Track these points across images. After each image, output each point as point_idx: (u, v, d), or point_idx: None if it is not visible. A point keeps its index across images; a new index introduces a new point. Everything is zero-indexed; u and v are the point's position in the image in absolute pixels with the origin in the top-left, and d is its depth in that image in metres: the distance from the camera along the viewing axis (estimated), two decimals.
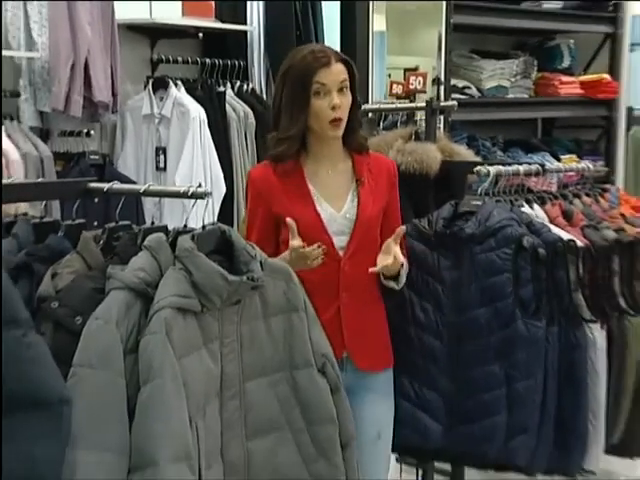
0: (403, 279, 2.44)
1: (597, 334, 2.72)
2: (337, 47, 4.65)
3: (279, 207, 2.38)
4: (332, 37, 4.71)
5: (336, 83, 2.30)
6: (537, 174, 2.93)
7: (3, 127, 3.71)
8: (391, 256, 2.31)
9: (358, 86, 2.41)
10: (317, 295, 2.21)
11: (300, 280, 2.07)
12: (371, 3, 4.61)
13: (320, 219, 2.36)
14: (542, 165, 3.01)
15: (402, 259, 2.38)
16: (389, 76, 4.93)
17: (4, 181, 3.43)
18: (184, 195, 1.96)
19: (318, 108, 2.30)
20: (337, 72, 2.31)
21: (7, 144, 3.69)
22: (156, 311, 1.69)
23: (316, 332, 2.03)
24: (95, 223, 1.91)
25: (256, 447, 1.89)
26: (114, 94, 4.00)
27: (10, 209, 3.00)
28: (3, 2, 3.80)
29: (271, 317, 1.94)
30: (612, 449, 2.92)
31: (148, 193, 2.06)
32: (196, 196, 1.93)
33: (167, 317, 1.68)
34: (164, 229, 1.87)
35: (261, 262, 1.91)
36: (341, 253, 2.38)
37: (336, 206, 2.40)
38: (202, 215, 1.89)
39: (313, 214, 2.36)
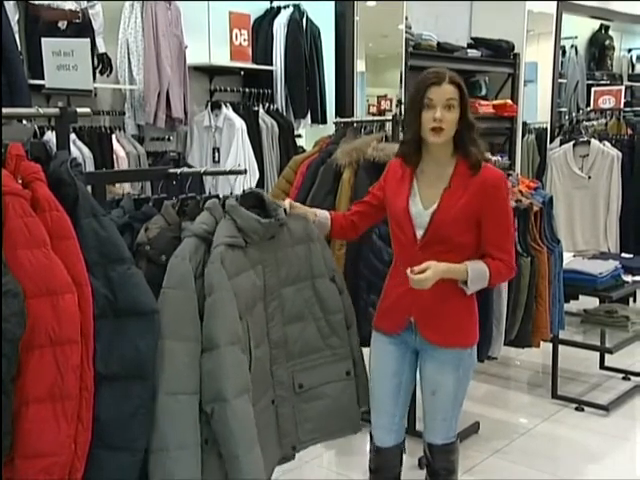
0: (472, 288, 1.92)
1: None
2: (333, 82, 4.60)
3: (388, 192, 2.03)
4: (330, 74, 4.60)
5: (442, 100, 1.86)
6: None
7: (114, 135, 3.69)
8: (423, 275, 1.83)
9: (469, 107, 1.91)
10: (398, 271, 2.00)
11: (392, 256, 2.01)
12: (355, 52, 4.56)
13: (408, 212, 1.95)
14: None
15: (461, 276, 1.89)
16: (368, 100, 4.88)
17: (115, 169, 3.43)
18: (228, 172, 1.95)
19: (424, 118, 1.89)
20: (445, 91, 1.87)
21: (117, 146, 3.69)
22: (214, 248, 1.68)
23: (327, 254, 1.99)
24: (173, 197, 1.89)
25: (290, 330, 1.90)
26: (185, 112, 3.95)
27: (119, 190, 2.99)
28: (118, 50, 3.76)
29: (296, 245, 1.91)
30: (510, 342, 2.94)
31: (206, 173, 2.07)
32: (235, 172, 1.91)
33: (221, 251, 1.67)
34: (217, 196, 1.85)
35: (285, 210, 1.90)
36: (419, 242, 1.94)
37: (426, 204, 1.94)
38: (241, 185, 1.88)
39: (404, 207, 1.95)
